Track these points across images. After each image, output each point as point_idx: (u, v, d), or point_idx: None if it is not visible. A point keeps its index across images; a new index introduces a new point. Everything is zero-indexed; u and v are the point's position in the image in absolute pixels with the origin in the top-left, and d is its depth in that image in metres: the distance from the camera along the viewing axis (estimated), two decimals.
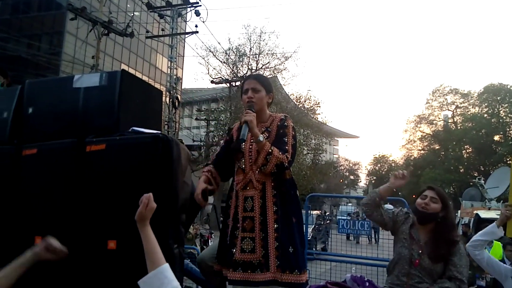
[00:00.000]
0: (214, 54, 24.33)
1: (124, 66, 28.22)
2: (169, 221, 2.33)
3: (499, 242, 5.41)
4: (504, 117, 38.77)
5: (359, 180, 65.56)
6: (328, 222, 13.58)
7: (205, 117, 25.85)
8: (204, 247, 10.74)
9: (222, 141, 2.94)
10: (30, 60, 22.41)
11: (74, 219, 2.40)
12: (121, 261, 2.24)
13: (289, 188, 2.55)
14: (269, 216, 2.40)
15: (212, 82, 24.09)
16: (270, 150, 2.38)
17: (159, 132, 2.57)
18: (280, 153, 2.40)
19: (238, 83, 22.82)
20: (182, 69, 33.51)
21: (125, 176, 2.33)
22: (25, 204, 2.60)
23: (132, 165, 2.33)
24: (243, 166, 2.54)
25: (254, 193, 2.45)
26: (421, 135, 45.52)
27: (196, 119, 29.07)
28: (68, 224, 2.40)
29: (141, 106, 2.79)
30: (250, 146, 2.53)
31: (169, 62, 19.67)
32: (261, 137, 2.41)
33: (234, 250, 2.40)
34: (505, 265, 3.56)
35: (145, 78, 27.24)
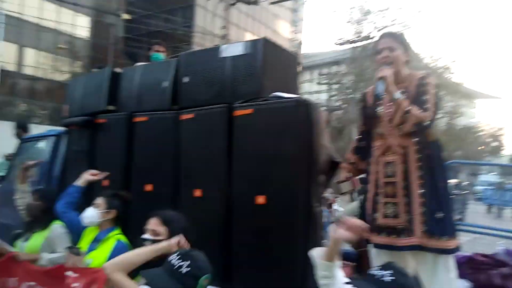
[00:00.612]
0: (337, 13, 23.35)
1: (248, 34, 29.24)
2: (311, 181, 2.44)
3: None
4: None
5: (503, 147, 57.41)
6: (465, 192, 12.36)
7: (326, 81, 25.42)
8: (329, 210, 10.85)
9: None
10: (168, 34, 24.80)
11: (226, 176, 2.69)
12: (269, 216, 2.45)
13: (435, 151, 2.41)
14: (413, 180, 2.32)
15: (335, 44, 23.39)
16: (408, 109, 2.27)
17: (300, 96, 2.66)
18: (420, 111, 2.27)
19: (362, 43, 21.69)
20: (303, 33, 33.16)
21: (270, 137, 2.50)
22: (185, 162, 3.00)
23: (277, 128, 2.48)
24: (382, 131, 2.48)
25: (394, 158, 2.40)
26: None
27: (318, 83, 28.80)
28: (222, 180, 2.70)
29: (281, 71, 2.91)
30: (389, 109, 2.45)
31: (291, 27, 19.66)
32: (397, 94, 2.31)
33: (377, 215, 2.41)
34: None
35: None
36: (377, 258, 2.42)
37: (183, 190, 2.96)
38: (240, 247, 2.59)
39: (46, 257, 2.85)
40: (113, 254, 2.36)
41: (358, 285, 1.53)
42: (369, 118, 2.61)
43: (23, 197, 3.25)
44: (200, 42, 22.74)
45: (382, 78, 2.31)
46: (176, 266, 1.51)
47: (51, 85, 22.41)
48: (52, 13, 21.01)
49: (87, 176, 2.88)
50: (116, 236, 2.54)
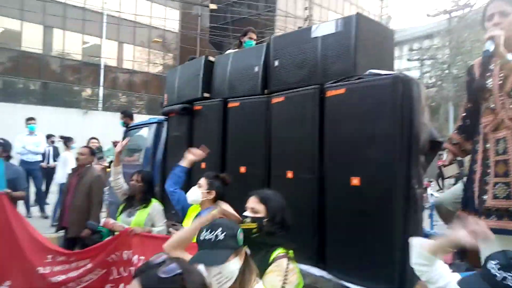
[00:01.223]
0: None
1: (331, 14, 28.34)
2: (410, 162, 2.32)
3: None
4: None
5: None
6: None
7: (418, 56, 23.67)
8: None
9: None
10: (251, 20, 25.14)
11: (318, 157, 2.68)
12: (365, 198, 2.39)
13: None
14: None
15: (427, 16, 21.60)
16: None
17: (397, 72, 2.52)
18: None
19: (460, 13, 19.69)
20: (391, 7, 31.06)
21: (365, 117, 2.42)
22: (276, 144, 3.06)
23: (372, 107, 2.39)
24: (492, 105, 2.25)
25: (506, 134, 2.17)
26: None
27: (408, 60, 26.95)
28: (314, 161, 2.70)
29: (376, 47, 2.79)
30: (500, 82, 2.20)
31: (380, 1, 18.57)
32: (510, 56, 2.06)
33: (486, 197, 2.21)
34: None
35: None
36: (485, 243, 2.23)
37: (275, 172, 3.04)
38: (333, 229, 2.59)
39: (152, 230, 3.27)
40: None
41: (470, 283, 1.41)
42: (476, 93, 2.38)
43: (117, 178, 3.60)
44: (283, 26, 22.65)
45: (492, 38, 2.08)
46: (214, 237, 1.56)
47: (146, 78, 24.31)
48: (146, 9, 22.62)
49: (190, 156, 3.08)
50: None
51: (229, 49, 4.76)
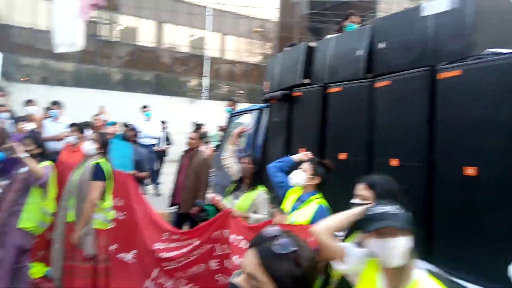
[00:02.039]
0: None
1: None
2: None
3: None
4: None
5: None
6: None
7: None
8: None
9: None
10: (351, 4, 24.22)
11: (428, 145, 2.52)
12: (481, 189, 2.19)
13: None
14: None
15: None
16: None
17: None
18: None
19: None
20: None
21: (484, 100, 2.20)
22: (380, 130, 2.94)
23: (493, 89, 2.16)
24: None
25: None
26: None
27: None
28: (423, 149, 2.54)
29: (497, 24, 2.50)
30: None
31: None
32: None
33: None
34: None
35: None
36: None
37: (378, 159, 2.93)
38: (443, 221, 2.42)
39: (252, 217, 3.30)
40: (316, 216, 2.55)
41: None
42: None
43: (230, 156, 3.77)
44: (387, 8, 21.35)
45: None
46: (394, 209, 1.54)
47: (246, 68, 25.15)
48: (247, 0, 23.30)
49: (302, 155, 3.13)
50: (318, 200, 2.72)
51: (329, 34, 4.69)
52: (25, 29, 19.44)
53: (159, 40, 22.33)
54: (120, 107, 10.40)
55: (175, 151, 9.18)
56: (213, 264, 3.39)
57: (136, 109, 8.87)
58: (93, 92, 18.13)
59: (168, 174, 7.54)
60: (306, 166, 2.78)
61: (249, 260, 1.05)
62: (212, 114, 17.81)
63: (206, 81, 23.12)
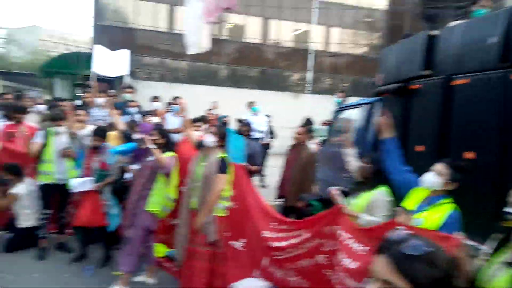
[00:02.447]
0: None
1: None
2: None
3: None
4: None
5: None
6: None
7: None
8: None
9: None
10: None
11: None
12: None
13: None
14: None
15: None
16: None
17: None
18: None
19: None
20: None
21: None
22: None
23: None
24: None
25: None
26: None
27: None
28: None
29: None
30: None
31: None
32: None
33: None
34: None
35: None
36: None
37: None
38: None
39: (364, 218, 3.06)
40: (447, 223, 2.36)
41: None
42: None
43: (352, 159, 3.63)
44: None
45: None
46: None
47: (351, 60, 24.38)
48: None
49: (384, 125, 2.96)
50: (450, 205, 2.48)
51: (450, 21, 4.26)
52: (147, 31, 21.62)
53: (265, 36, 22.91)
54: (228, 102, 10.98)
55: (278, 144, 9.36)
56: (321, 258, 3.37)
57: (243, 103, 9.23)
58: (204, 88, 19.42)
59: (272, 167, 7.72)
60: (441, 169, 2.52)
61: (380, 267, 1.00)
62: (315, 108, 17.73)
63: (309, 75, 23.06)
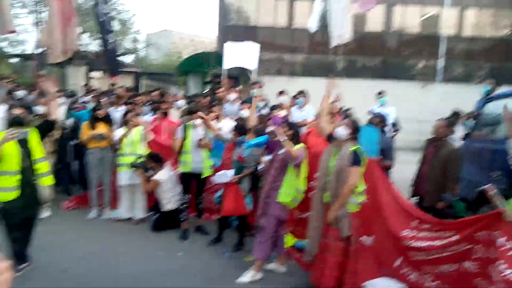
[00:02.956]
0: None
1: None
2: None
3: None
4: None
5: None
6: None
7: None
8: None
9: None
10: None
11: None
12: None
13: None
14: None
15: None
16: None
17: None
18: None
19: None
20: None
21: None
22: None
23: None
24: None
25: None
26: None
27: None
28: None
29: None
30: None
31: None
32: None
33: None
34: None
35: None
36: None
37: None
38: None
39: None
40: None
41: None
42: None
43: None
44: None
45: None
46: None
47: (489, 44, 21.48)
48: None
49: None
50: None
51: None
52: (267, 28, 22.28)
53: (388, 24, 21.64)
54: (346, 94, 10.64)
55: (403, 138, 8.69)
56: (470, 265, 3.03)
57: (361, 95, 8.81)
58: (321, 81, 19.22)
59: (398, 163, 7.25)
60: None
61: None
62: (446, 98, 16.11)
63: (440, 63, 21.06)
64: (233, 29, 21.86)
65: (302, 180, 4.01)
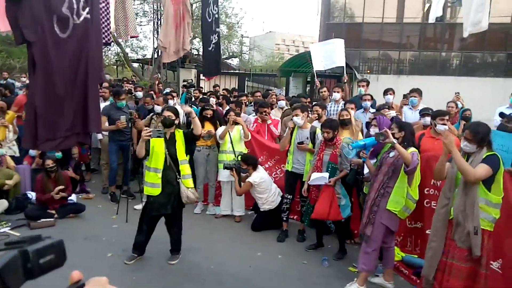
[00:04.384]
0: None
1: None
2: None
3: None
4: None
5: None
6: None
7: None
8: None
9: None
10: None
11: None
12: None
13: None
14: None
15: None
16: None
17: None
18: None
19: None
20: None
21: None
22: None
23: None
24: None
25: None
26: None
27: None
28: None
29: None
30: None
31: None
32: None
33: None
34: None
35: None
36: None
37: None
38: None
39: None
40: None
41: None
42: None
43: None
44: None
45: None
46: None
47: None
48: None
49: None
50: None
51: None
52: (374, 24, 21.20)
53: None
54: (462, 93, 9.53)
55: None
56: None
57: (480, 94, 7.76)
58: (433, 79, 17.62)
59: None
60: None
61: None
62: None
63: None
64: (336, 27, 21.27)
65: (415, 188, 3.60)
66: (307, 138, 4.80)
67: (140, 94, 7.42)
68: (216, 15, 8.03)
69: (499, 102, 7.08)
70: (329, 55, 7.75)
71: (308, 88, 17.21)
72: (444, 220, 3.08)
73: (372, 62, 21.45)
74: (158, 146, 3.93)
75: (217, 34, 8.15)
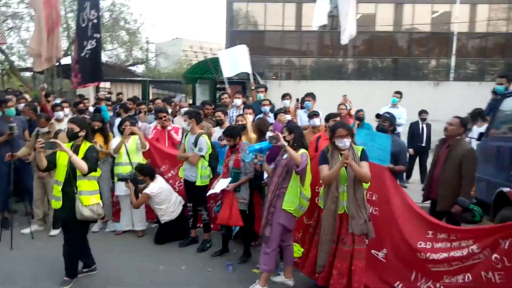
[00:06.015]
0: None
1: None
2: None
3: None
4: None
5: None
6: None
7: None
8: None
9: None
10: None
11: None
12: None
13: None
14: None
15: None
16: None
17: None
18: None
19: None
20: None
21: None
22: None
23: None
24: None
25: None
26: None
27: None
28: None
29: None
30: None
31: None
32: None
33: None
34: None
35: None
36: None
37: None
38: None
39: None
40: None
41: None
42: None
43: None
44: None
45: None
46: None
47: (502, 40, 20.94)
48: None
49: None
50: None
51: None
52: (275, 32, 22.08)
53: (397, 23, 21.30)
54: (357, 96, 10.46)
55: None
56: (492, 276, 2.78)
57: (372, 97, 8.59)
58: (330, 83, 18.92)
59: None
60: None
61: None
62: (460, 96, 15.72)
63: (452, 61, 20.59)
64: (241, 34, 21.74)
65: (307, 187, 3.80)
66: (192, 144, 4.79)
67: (21, 106, 6.69)
68: (95, 20, 7.49)
69: (388, 102, 7.89)
70: (235, 61, 7.89)
71: (218, 95, 17.27)
72: (334, 216, 3.34)
73: (276, 68, 22.36)
74: (63, 158, 3.72)
75: (95, 40, 7.56)
